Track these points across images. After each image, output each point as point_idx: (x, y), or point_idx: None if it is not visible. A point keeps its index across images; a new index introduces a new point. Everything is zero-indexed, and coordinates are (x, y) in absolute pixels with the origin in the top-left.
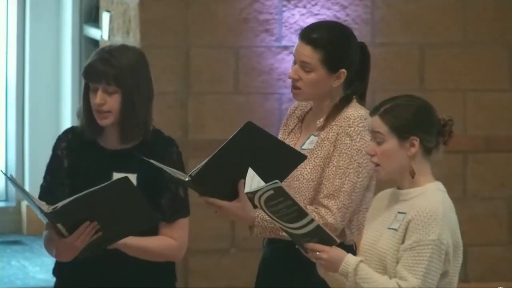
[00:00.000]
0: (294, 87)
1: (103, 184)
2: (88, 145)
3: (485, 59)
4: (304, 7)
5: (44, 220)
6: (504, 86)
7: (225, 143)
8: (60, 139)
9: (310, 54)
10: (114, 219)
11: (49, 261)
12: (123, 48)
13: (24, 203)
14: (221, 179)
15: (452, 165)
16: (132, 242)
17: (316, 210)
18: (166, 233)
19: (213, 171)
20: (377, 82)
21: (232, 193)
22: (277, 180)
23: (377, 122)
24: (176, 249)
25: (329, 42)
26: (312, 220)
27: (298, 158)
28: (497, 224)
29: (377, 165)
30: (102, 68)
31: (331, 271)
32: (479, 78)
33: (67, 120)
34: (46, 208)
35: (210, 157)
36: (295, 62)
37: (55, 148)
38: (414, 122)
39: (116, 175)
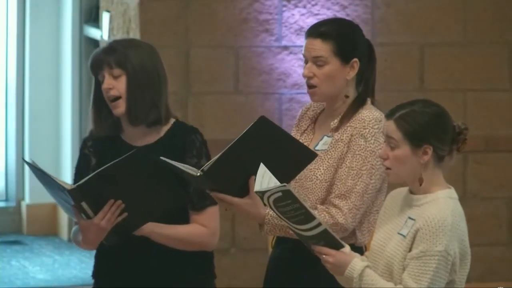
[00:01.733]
0: (310, 86)
1: (122, 157)
2: (114, 142)
3: (485, 59)
4: (304, 7)
5: (67, 207)
6: (504, 86)
7: (238, 137)
8: (86, 139)
9: (321, 47)
10: (138, 196)
11: (49, 261)
12: (128, 39)
13: (24, 203)
14: (232, 175)
15: (452, 165)
16: (160, 229)
17: (326, 209)
18: (196, 221)
19: (225, 166)
20: (377, 82)
21: (243, 190)
22: (285, 184)
23: (392, 128)
24: (207, 236)
25: (338, 32)
26: (319, 224)
27: (309, 156)
28: (497, 224)
29: (387, 168)
30: (104, 56)
31: (337, 274)
32: (479, 78)
33: (67, 120)
34: (69, 186)
35: (223, 151)
36: (306, 62)
37: (82, 148)
38: (428, 131)
39: None
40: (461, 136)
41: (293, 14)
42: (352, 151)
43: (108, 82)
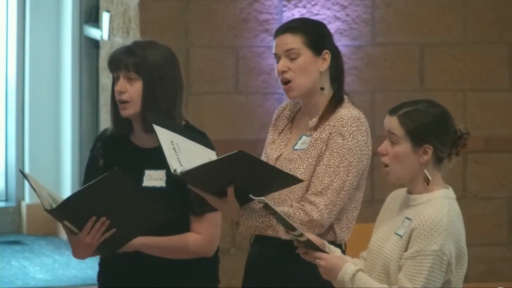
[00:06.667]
0: (285, 82)
1: (96, 179)
2: (123, 144)
3: (485, 59)
4: (304, 7)
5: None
6: (504, 86)
7: (212, 161)
8: (96, 139)
9: (291, 40)
10: (123, 213)
11: (49, 261)
12: (151, 42)
13: (24, 203)
14: (210, 183)
15: (450, 167)
16: (152, 242)
17: (301, 207)
18: (194, 228)
19: (201, 177)
20: (377, 82)
21: (221, 192)
22: (262, 198)
23: (394, 124)
24: (202, 244)
25: (306, 26)
26: (301, 234)
27: (293, 181)
28: (497, 224)
29: (386, 166)
30: (123, 56)
31: (329, 279)
32: (479, 78)
33: (67, 120)
34: (48, 205)
35: (201, 164)
36: (278, 60)
37: (92, 149)
38: (430, 130)
39: (148, 172)
40: (461, 140)
41: (293, 14)
42: (330, 149)
43: (122, 84)
